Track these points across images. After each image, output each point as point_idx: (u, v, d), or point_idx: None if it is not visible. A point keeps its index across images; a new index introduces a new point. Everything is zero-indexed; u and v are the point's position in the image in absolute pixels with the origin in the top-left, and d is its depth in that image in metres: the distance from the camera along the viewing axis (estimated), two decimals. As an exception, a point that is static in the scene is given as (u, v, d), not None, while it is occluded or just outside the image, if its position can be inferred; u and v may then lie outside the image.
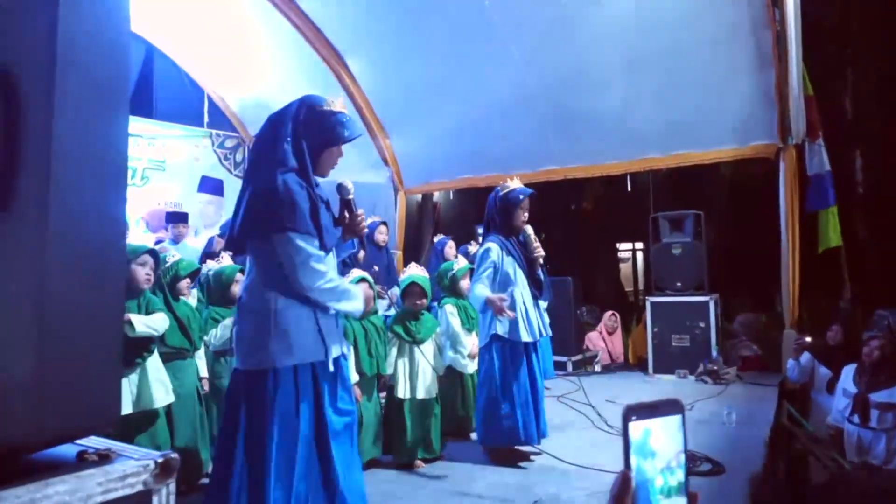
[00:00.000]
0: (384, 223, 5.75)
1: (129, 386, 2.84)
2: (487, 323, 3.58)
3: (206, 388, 3.51)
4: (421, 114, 7.28)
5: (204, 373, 3.53)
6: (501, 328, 3.52)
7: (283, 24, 6.54)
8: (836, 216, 6.11)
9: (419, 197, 8.82)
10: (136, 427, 2.90)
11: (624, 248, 12.69)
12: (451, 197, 9.89)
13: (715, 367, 5.87)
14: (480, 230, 8.11)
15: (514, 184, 3.72)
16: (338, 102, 2.35)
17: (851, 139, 8.15)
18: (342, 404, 2.35)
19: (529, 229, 3.70)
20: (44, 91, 0.85)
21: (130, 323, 2.77)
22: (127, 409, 2.79)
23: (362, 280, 3.03)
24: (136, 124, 6.85)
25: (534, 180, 6.94)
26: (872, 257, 8.01)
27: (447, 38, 6.28)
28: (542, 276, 3.71)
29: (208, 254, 4.94)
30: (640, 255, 12.20)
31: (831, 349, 5.51)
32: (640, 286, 12.02)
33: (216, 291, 3.68)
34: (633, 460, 0.67)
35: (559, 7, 5.70)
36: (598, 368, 6.72)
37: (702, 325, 6.18)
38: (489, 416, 3.56)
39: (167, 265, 3.39)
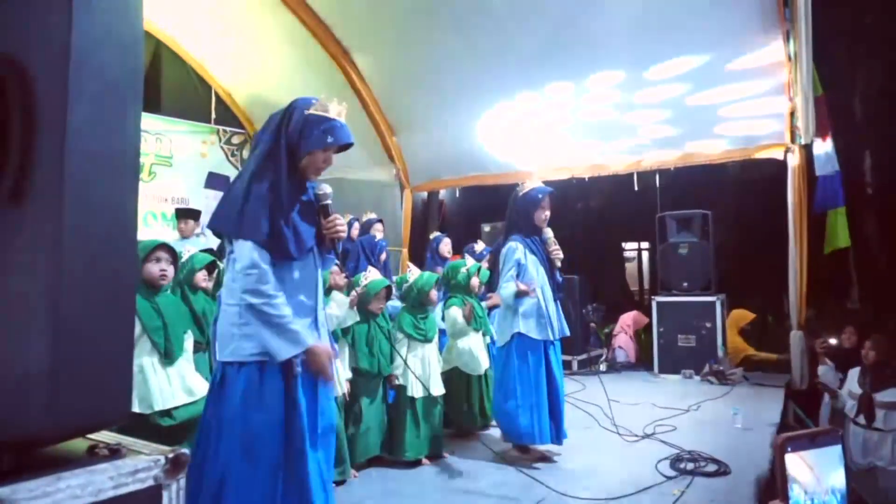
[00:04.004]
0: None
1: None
2: (509, 321, 3.58)
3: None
4: (428, 111, 7.27)
5: None
6: (524, 326, 3.53)
7: (290, 20, 6.54)
8: (844, 217, 6.07)
9: (425, 194, 8.81)
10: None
11: (629, 247, 12.63)
12: (458, 195, 9.88)
13: (721, 368, 5.85)
14: (487, 228, 8.19)
15: (533, 183, 3.69)
16: (331, 106, 2.14)
17: (860, 140, 8.11)
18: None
19: (549, 232, 3.66)
20: (58, 86, 0.85)
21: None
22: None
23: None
24: (144, 120, 6.74)
25: (540, 179, 6.93)
26: (881, 258, 7.97)
27: (455, 35, 6.27)
28: (558, 277, 3.71)
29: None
30: (644, 255, 12.14)
31: (846, 352, 5.45)
32: (645, 286, 11.97)
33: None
34: (790, 492, 0.64)
35: (568, 4, 5.68)
36: (602, 368, 6.71)
37: (708, 325, 6.17)
38: (506, 414, 3.58)
39: (183, 260, 3.37)
